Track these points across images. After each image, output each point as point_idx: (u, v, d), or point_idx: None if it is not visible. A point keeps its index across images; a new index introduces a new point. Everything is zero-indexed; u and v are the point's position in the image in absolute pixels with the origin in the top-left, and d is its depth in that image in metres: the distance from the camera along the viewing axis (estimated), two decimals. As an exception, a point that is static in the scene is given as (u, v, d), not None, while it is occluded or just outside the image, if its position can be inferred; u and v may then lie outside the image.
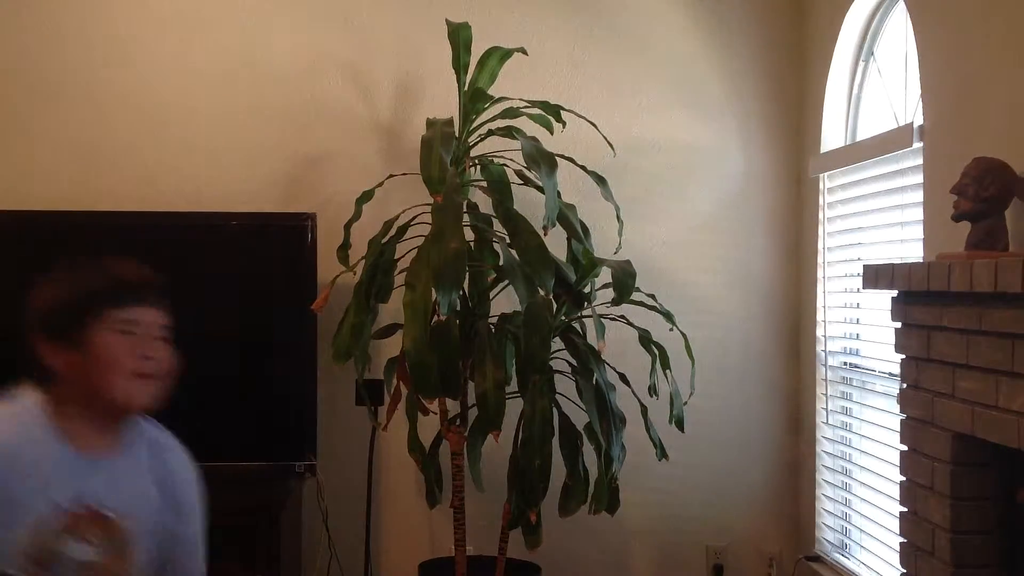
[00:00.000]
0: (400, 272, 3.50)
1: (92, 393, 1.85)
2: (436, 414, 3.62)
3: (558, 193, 3.41)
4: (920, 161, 3.18)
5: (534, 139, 3.51)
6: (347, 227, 3.55)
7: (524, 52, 3.70)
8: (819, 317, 4.00)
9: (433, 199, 3.25)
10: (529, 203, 3.68)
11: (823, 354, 3.99)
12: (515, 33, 4.04)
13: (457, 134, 3.56)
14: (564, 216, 3.54)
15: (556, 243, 3.59)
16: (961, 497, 2.59)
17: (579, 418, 3.56)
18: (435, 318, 3.33)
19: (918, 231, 3.19)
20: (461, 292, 3.40)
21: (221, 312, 3.84)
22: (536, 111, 3.66)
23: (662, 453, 3.62)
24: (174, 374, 1.98)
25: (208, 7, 4.04)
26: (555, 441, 3.43)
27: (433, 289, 3.20)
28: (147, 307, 1.95)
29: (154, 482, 1.94)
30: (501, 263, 3.48)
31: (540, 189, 3.39)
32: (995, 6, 2.80)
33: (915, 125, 3.19)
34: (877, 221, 3.59)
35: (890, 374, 3.37)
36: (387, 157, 4.05)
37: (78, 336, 1.82)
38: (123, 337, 1.87)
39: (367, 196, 3.60)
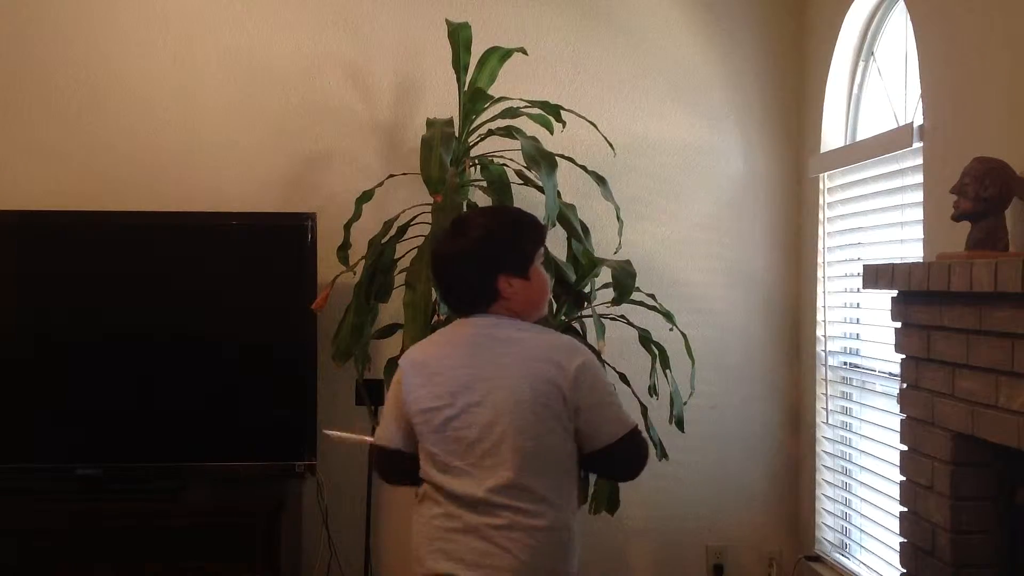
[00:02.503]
0: (400, 272, 3.50)
1: (529, 307, 2.45)
2: (436, 414, 3.62)
3: (558, 193, 3.41)
4: (920, 161, 3.18)
5: (534, 139, 3.51)
6: (347, 227, 3.55)
7: (524, 52, 3.70)
8: (819, 317, 4.00)
9: (433, 199, 3.26)
10: (529, 203, 3.67)
11: (823, 354, 3.99)
12: (515, 33, 4.04)
13: (457, 134, 3.56)
14: (564, 216, 3.54)
15: (556, 243, 3.59)
16: (961, 497, 2.59)
17: (579, 418, 3.55)
18: (435, 318, 3.33)
19: (918, 231, 3.19)
20: (461, 292, 3.39)
21: (221, 312, 3.84)
22: (536, 111, 3.65)
23: (662, 453, 3.62)
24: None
25: (208, 7, 4.03)
26: (555, 441, 3.43)
27: (433, 289, 3.20)
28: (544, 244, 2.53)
29: None
30: (501, 263, 3.48)
31: (540, 189, 3.39)
32: (995, 6, 2.80)
33: (915, 125, 3.19)
34: (877, 221, 3.59)
35: (890, 374, 3.37)
36: (387, 157, 4.05)
37: (526, 269, 2.43)
38: (541, 267, 2.48)
39: (367, 196, 3.61)
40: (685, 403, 3.62)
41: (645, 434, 2.51)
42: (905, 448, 2.86)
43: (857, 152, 3.70)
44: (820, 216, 4.01)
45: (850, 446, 3.78)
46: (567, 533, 2.35)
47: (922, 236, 3.14)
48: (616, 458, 2.40)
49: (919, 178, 3.19)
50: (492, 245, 2.42)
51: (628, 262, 3.58)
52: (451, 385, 2.37)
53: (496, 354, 2.37)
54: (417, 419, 2.40)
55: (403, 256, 3.55)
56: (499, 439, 2.32)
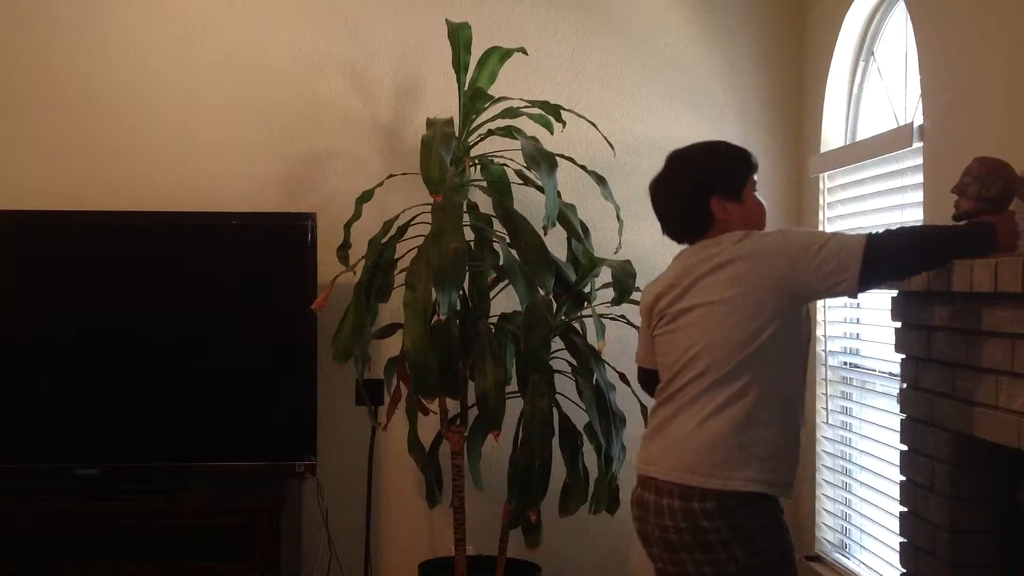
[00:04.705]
0: (400, 272, 3.50)
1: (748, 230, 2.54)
2: (436, 414, 3.62)
3: (558, 193, 3.42)
4: (920, 161, 3.18)
5: (534, 139, 3.51)
6: (347, 227, 3.55)
7: (524, 52, 3.70)
8: (819, 317, 4.00)
9: (433, 199, 3.26)
10: (529, 203, 3.68)
11: (823, 354, 3.99)
12: (515, 33, 4.04)
13: (457, 134, 3.56)
14: (564, 216, 3.55)
15: (556, 243, 3.59)
16: (961, 497, 2.59)
17: (579, 418, 3.56)
18: (435, 318, 3.34)
19: (918, 231, 3.18)
20: (461, 292, 3.40)
21: (221, 312, 3.85)
22: (536, 111, 3.66)
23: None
24: None
25: (208, 7, 4.03)
26: (555, 441, 3.43)
27: (433, 289, 3.21)
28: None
29: None
30: (501, 263, 3.48)
31: (540, 189, 3.39)
32: (994, 6, 2.80)
33: (915, 125, 3.19)
34: (877, 221, 3.59)
35: (890, 374, 3.37)
36: (387, 157, 4.05)
37: (740, 193, 2.56)
38: (757, 195, 2.61)
39: (367, 196, 3.60)
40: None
41: None
42: (905, 448, 2.86)
43: (857, 152, 3.70)
44: (820, 216, 4.01)
45: (850, 446, 3.78)
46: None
47: (922, 236, 3.13)
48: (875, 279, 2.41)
49: (919, 178, 3.19)
50: (703, 169, 2.58)
51: (628, 262, 3.58)
52: None
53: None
54: None
55: (403, 256, 3.55)
56: None
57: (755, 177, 2.61)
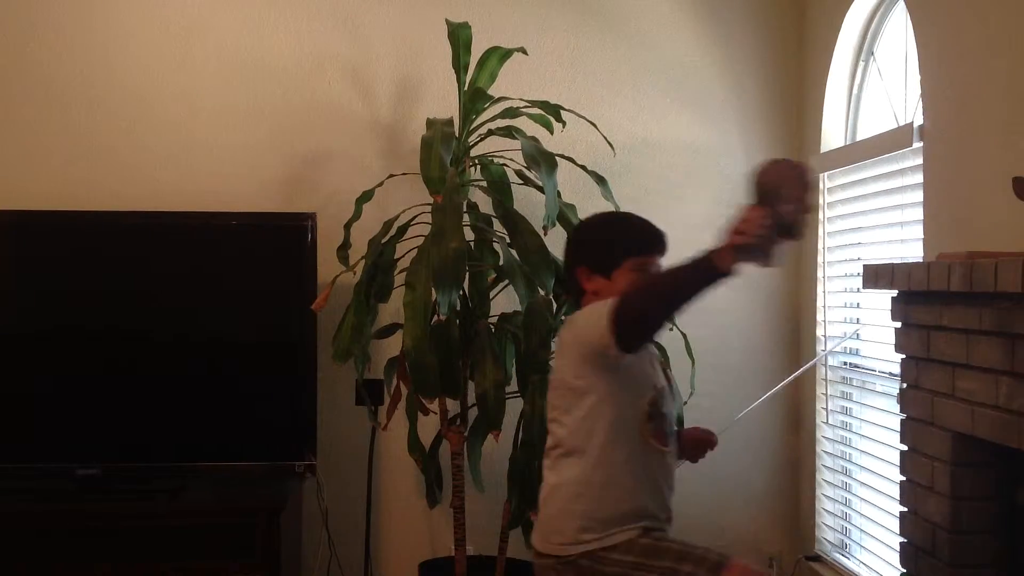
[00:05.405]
0: (400, 272, 3.50)
1: None
2: (436, 414, 3.62)
3: (558, 193, 3.41)
4: (920, 161, 3.19)
5: (534, 139, 3.51)
6: (347, 227, 3.55)
7: (524, 52, 3.70)
8: (819, 317, 4.00)
9: (433, 199, 3.26)
10: (529, 203, 3.68)
11: (823, 354, 3.99)
12: (515, 33, 4.04)
13: (457, 134, 3.56)
14: (564, 216, 3.54)
15: (556, 243, 3.59)
16: (961, 497, 2.59)
17: (579, 418, 3.55)
18: (435, 318, 3.34)
19: (918, 231, 3.19)
20: (461, 292, 3.40)
21: (221, 312, 3.85)
22: (536, 111, 3.66)
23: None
24: None
25: (208, 7, 4.03)
26: (555, 441, 3.43)
27: (433, 289, 3.20)
28: (657, 255, 2.62)
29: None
30: (501, 263, 3.48)
31: (540, 189, 3.39)
32: (994, 7, 2.80)
33: (915, 125, 3.19)
34: (877, 221, 3.59)
35: (890, 374, 3.37)
36: (387, 157, 4.05)
37: (609, 271, 2.57)
38: (634, 274, 2.56)
39: (367, 196, 3.60)
40: (685, 403, 3.62)
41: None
42: (905, 448, 2.86)
43: (857, 152, 3.70)
44: (820, 216, 4.01)
45: (850, 446, 3.78)
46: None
47: (922, 236, 3.14)
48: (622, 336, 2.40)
49: (919, 178, 3.19)
50: (578, 240, 2.68)
51: (628, 262, 3.58)
52: None
53: None
54: None
55: (403, 256, 3.55)
56: None
57: (650, 259, 2.59)
